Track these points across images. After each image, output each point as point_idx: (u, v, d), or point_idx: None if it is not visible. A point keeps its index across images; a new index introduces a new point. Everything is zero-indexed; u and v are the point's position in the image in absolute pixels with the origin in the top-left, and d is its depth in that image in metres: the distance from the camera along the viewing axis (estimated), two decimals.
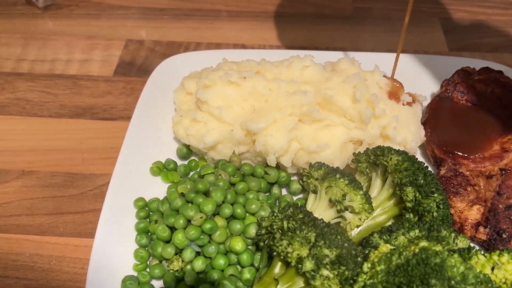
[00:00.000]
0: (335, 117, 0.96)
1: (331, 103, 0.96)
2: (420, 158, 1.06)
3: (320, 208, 0.87)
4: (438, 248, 0.73)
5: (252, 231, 0.86)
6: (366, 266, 0.73)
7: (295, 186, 0.98)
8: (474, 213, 0.90)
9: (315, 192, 0.90)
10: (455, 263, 0.67)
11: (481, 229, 0.88)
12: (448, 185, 0.94)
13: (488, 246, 0.88)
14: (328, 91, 0.96)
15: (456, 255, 0.69)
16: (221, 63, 1.08)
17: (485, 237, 0.88)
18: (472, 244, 0.86)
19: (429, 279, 0.65)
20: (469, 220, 0.90)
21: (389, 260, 0.71)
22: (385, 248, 0.75)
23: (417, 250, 0.70)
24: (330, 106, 0.96)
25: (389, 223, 0.88)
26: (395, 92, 1.01)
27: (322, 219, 0.81)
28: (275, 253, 0.79)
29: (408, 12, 0.98)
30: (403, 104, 1.00)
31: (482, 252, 0.79)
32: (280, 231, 0.79)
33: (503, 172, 0.95)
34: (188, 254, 0.84)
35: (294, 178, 1.02)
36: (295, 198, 0.99)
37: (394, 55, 1.25)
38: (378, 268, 0.70)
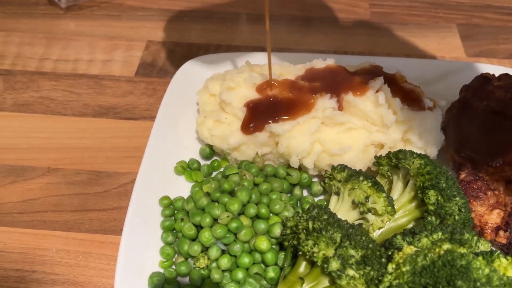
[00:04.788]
0: (357, 120, 0.98)
1: (353, 107, 0.97)
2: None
3: (342, 210, 0.89)
4: (462, 250, 0.75)
5: (277, 231, 0.87)
6: (390, 267, 0.75)
7: (317, 188, 0.99)
8: (494, 217, 0.92)
9: (337, 193, 0.92)
10: (480, 265, 0.69)
11: (501, 233, 0.90)
12: (468, 189, 0.95)
13: (508, 250, 0.90)
14: (350, 95, 0.98)
15: (480, 258, 0.71)
16: (244, 66, 1.10)
17: (505, 240, 0.89)
18: (492, 248, 0.87)
19: (455, 280, 0.67)
20: (489, 224, 0.91)
21: (415, 262, 0.72)
22: (409, 249, 0.76)
23: (442, 252, 0.71)
24: (353, 109, 0.98)
25: (410, 225, 0.89)
26: (417, 97, 1.02)
27: (346, 220, 0.83)
28: (300, 253, 0.81)
29: (266, 9, 0.95)
30: (424, 109, 1.02)
31: (504, 256, 0.80)
32: (305, 231, 0.81)
33: None
34: (214, 252, 0.86)
35: (315, 179, 1.03)
36: (316, 199, 1.00)
37: (410, 60, 1.28)
38: (404, 269, 0.72)
